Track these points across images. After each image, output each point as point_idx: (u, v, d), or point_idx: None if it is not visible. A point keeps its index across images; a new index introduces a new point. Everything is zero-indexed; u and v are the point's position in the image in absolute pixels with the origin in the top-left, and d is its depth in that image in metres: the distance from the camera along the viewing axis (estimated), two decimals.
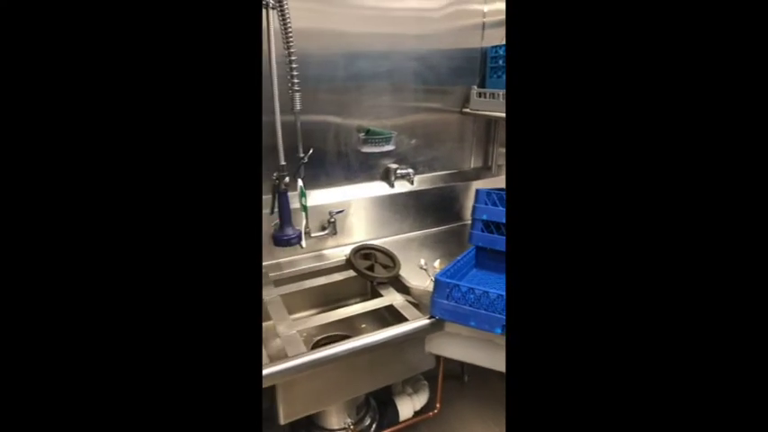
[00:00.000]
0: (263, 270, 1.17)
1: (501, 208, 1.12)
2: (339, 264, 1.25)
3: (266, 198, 1.13)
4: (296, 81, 1.03)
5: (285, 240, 1.05)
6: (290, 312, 1.03)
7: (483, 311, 0.86)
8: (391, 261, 1.20)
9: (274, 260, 1.22)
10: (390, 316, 1.17)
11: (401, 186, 1.38)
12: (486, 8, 1.36)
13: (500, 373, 0.91)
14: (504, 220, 1.11)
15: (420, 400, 1.29)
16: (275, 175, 1.04)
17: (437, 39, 1.31)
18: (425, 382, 1.33)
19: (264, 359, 0.85)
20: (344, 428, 1.14)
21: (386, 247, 1.26)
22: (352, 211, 1.31)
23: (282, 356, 0.87)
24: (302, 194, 1.11)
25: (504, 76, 1.33)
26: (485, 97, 1.34)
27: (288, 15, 0.97)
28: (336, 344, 0.88)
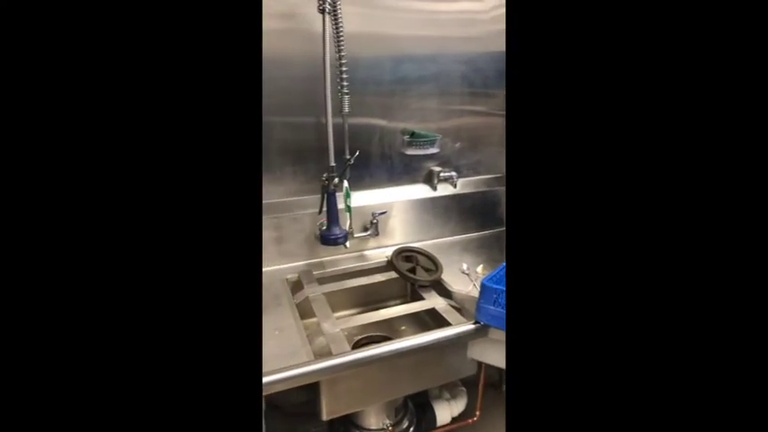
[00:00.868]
0: (308, 268, 1.20)
1: None
2: (380, 265, 1.25)
3: (314, 198, 1.16)
4: (345, 84, 1.05)
5: (332, 240, 1.07)
6: (333, 311, 1.04)
7: None
8: (433, 264, 1.20)
9: (317, 258, 1.24)
10: (431, 319, 1.16)
11: (444, 189, 1.37)
12: None
13: None
14: None
15: (458, 406, 1.27)
16: (325, 175, 1.06)
17: (484, 41, 1.29)
18: (463, 388, 1.31)
19: (309, 356, 0.87)
20: (383, 429, 1.14)
21: (427, 250, 1.26)
22: (395, 213, 1.31)
23: (326, 354, 0.89)
24: (347, 195, 1.13)
25: None
26: None
27: (341, 19, 0.99)
28: (380, 344, 0.88)
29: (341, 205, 1.14)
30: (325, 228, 1.14)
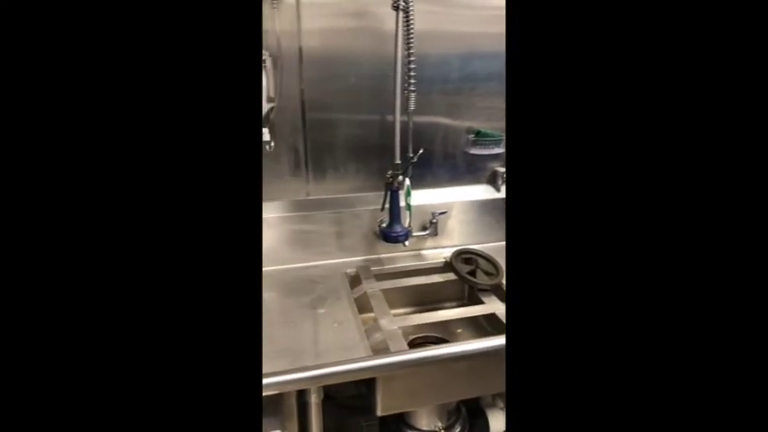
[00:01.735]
0: (366, 263, 1.21)
1: None
2: (438, 265, 1.24)
3: (375, 195, 1.17)
4: (412, 82, 1.05)
5: (394, 237, 1.07)
6: (390, 308, 1.05)
7: None
8: (494, 268, 1.16)
9: (375, 255, 1.25)
10: (488, 324, 1.13)
11: None
12: None
13: None
14: None
15: None
16: (389, 173, 1.07)
17: None
18: None
19: (367, 351, 0.88)
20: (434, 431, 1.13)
21: (488, 252, 1.23)
22: (455, 214, 1.29)
23: (383, 350, 0.89)
24: (408, 193, 1.13)
25: None
26: None
27: (412, 16, 0.99)
28: (440, 346, 0.87)
29: (402, 203, 1.14)
30: (385, 225, 1.14)
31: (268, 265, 1.18)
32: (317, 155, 1.17)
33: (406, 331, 1.16)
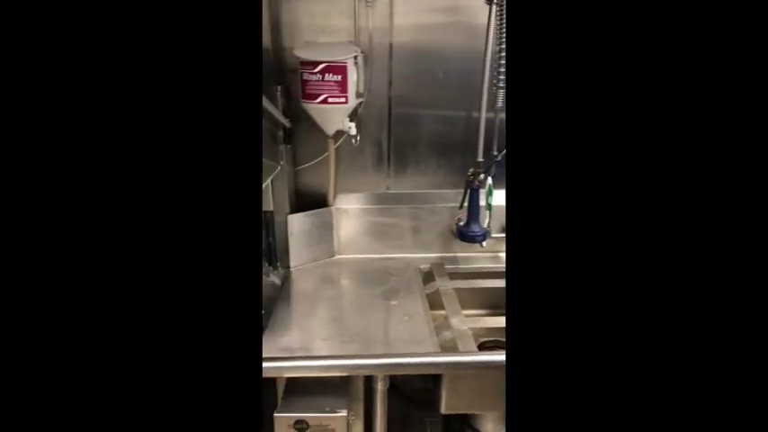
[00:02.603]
0: (440, 261, 1.21)
1: None
2: None
3: (454, 192, 1.16)
4: (501, 78, 1.01)
5: (470, 236, 1.06)
6: (462, 307, 1.03)
7: None
8: None
9: (451, 253, 1.24)
10: None
11: None
12: None
13: None
14: None
15: None
16: (471, 170, 1.05)
17: None
18: None
19: (435, 347, 0.88)
20: None
21: None
22: None
23: (452, 348, 0.89)
24: (489, 193, 1.10)
25: None
26: None
27: (505, 11, 0.96)
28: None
29: (482, 202, 1.12)
30: (463, 223, 1.13)
31: (346, 254, 1.23)
32: (400, 150, 1.19)
33: (476, 333, 1.14)
